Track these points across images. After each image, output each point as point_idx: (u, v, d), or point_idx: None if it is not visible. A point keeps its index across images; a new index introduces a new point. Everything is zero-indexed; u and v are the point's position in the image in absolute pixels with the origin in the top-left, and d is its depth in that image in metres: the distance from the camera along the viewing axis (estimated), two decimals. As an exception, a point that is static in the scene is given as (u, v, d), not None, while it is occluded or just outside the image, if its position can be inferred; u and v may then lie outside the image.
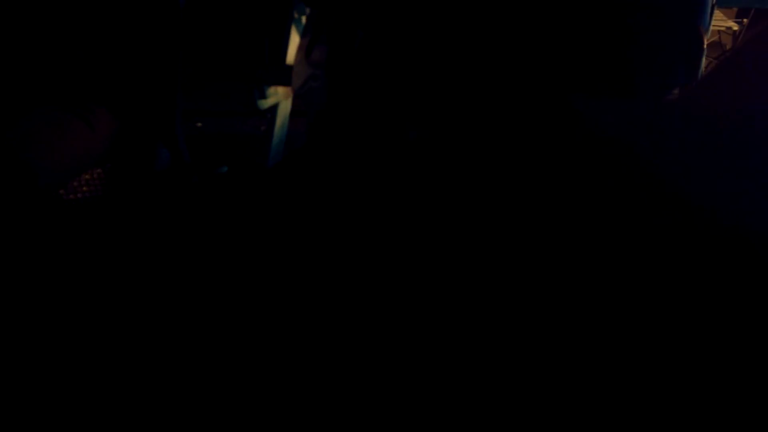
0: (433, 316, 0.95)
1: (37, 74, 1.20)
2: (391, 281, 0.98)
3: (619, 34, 0.95)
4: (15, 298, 1.06)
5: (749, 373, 0.85)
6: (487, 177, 0.98)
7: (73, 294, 1.10)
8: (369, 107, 1.11)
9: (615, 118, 0.96)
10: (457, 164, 1.01)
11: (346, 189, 1.07)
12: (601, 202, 0.93)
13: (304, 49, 1.29)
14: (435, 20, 0.99)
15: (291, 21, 1.95)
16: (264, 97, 2.04)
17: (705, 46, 1.04)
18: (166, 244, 1.22)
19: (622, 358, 0.88)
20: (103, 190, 1.23)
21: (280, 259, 1.06)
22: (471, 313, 0.94)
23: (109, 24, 1.21)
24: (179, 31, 1.27)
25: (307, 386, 0.94)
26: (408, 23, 1.01)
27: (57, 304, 1.09)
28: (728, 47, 2.73)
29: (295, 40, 1.96)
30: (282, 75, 1.99)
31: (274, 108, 2.11)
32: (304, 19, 1.93)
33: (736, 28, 2.74)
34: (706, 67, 1.08)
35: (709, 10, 1.03)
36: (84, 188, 1.21)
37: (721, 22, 2.74)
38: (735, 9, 2.83)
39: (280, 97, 2.09)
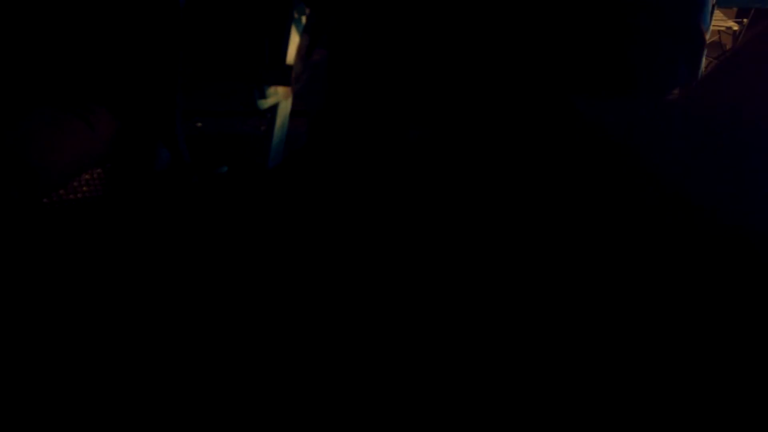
0: (434, 316, 0.95)
1: (37, 74, 1.20)
2: (391, 281, 0.97)
3: (620, 34, 0.95)
4: (15, 298, 1.06)
5: (749, 372, 0.85)
6: (488, 176, 0.97)
7: (74, 293, 1.10)
8: (369, 107, 1.10)
9: (615, 118, 0.96)
10: (458, 164, 1.00)
11: (346, 189, 1.07)
12: (602, 202, 0.93)
13: (304, 50, 1.28)
14: (436, 20, 0.99)
15: (291, 21, 1.95)
16: (264, 97, 2.04)
17: (705, 46, 1.04)
18: (166, 244, 1.22)
19: (623, 358, 0.88)
20: (103, 190, 1.23)
21: (280, 260, 1.06)
22: (472, 313, 0.94)
23: (109, 24, 1.21)
24: (179, 31, 1.27)
25: (307, 386, 0.94)
26: (409, 23, 1.01)
27: (57, 304, 1.09)
28: (728, 47, 2.73)
29: (295, 40, 1.96)
30: (282, 75, 1.99)
31: (274, 108, 2.11)
32: (304, 19, 1.93)
33: (736, 28, 2.74)
34: (706, 67, 1.08)
35: (709, 10, 1.03)
36: (84, 188, 1.21)
37: (721, 22, 2.74)
38: (735, 9, 2.83)
39: (280, 97, 2.09)
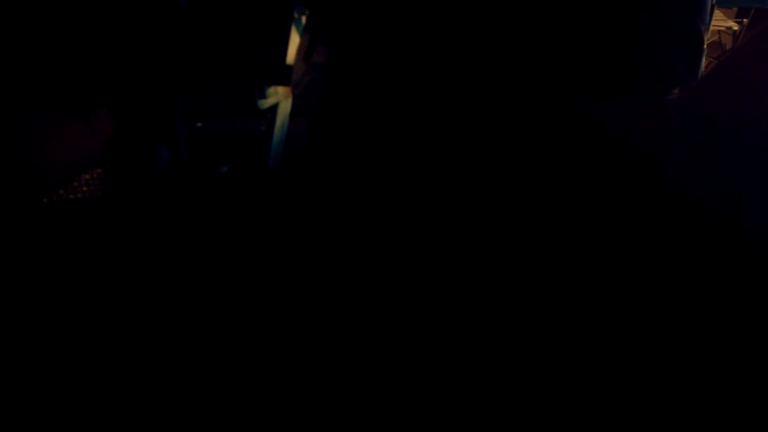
0: (434, 316, 0.95)
1: (37, 74, 1.20)
2: (391, 281, 0.98)
3: (620, 34, 0.95)
4: (15, 298, 1.06)
5: (749, 371, 0.85)
6: (489, 177, 0.98)
7: (74, 293, 1.10)
8: (369, 107, 1.10)
9: (615, 118, 0.96)
10: (458, 164, 1.01)
11: (346, 189, 1.07)
12: (602, 202, 0.93)
13: (304, 50, 1.29)
14: (436, 20, 0.99)
15: (291, 21, 1.95)
16: (264, 97, 2.04)
17: (705, 46, 1.04)
18: (166, 244, 1.22)
19: (623, 357, 0.88)
20: (103, 190, 1.23)
21: (279, 260, 1.06)
22: (472, 313, 0.94)
23: (109, 24, 1.21)
24: (179, 31, 1.27)
25: (307, 386, 0.94)
26: (409, 23, 1.01)
27: (57, 304, 1.09)
28: (728, 47, 2.73)
29: (295, 40, 1.96)
30: (282, 75, 1.99)
31: (274, 108, 2.11)
32: (304, 19, 1.93)
33: (736, 28, 2.74)
34: (706, 67, 1.08)
35: (709, 10, 1.03)
36: (84, 188, 1.21)
37: (721, 22, 2.74)
38: (735, 9, 2.83)
39: (280, 97, 2.09)
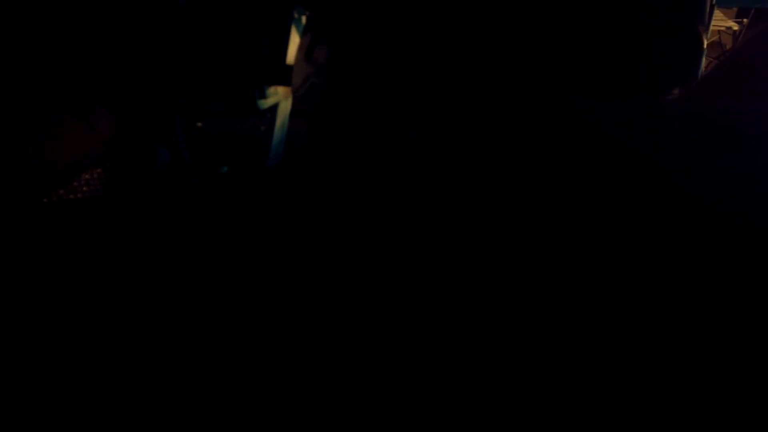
0: (433, 314, 0.95)
1: (38, 74, 1.20)
2: (391, 281, 0.97)
3: (620, 34, 0.95)
4: (16, 297, 1.06)
5: (749, 367, 0.85)
6: (489, 177, 0.97)
7: (74, 293, 1.10)
8: (369, 107, 1.10)
9: (615, 118, 0.96)
10: (458, 164, 1.00)
11: (346, 189, 1.07)
12: (602, 201, 0.93)
13: (304, 50, 1.28)
14: (436, 21, 0.99)
15: (291, 21, 1.94)
16: (264, 97, 2.03)
17: (705, 46, 1.04)
18: (166, 244, 1.22)
19: (625, 354, 0.88)
20: (103, 190, 1.23)
21: (279, 259, 1.06)
22: (471, 312, 0.94)
23: (109, 24, 1.21)
24: (179, 31, 1.27)
25: (307, 386, 0.94)
26: (409, 24, 1.01)
27: (57, 304, 1.09)
28: (728, 47, 2.73)
29: (295, 40, 1.96)
30: (282, 75, 1.99)
31: (274, 108, 2.11)
32: (304, 19, 1.93)
33: (736, 28, 2.74)
34: (706, 67, 1.08)
35: (708, 10, 1.03)
36: (84, 188, 1.21)
37: (721, 22, 2.74)
38: (735, 9, 2.83)
39: (280, 97, 2.09)
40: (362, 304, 0.98)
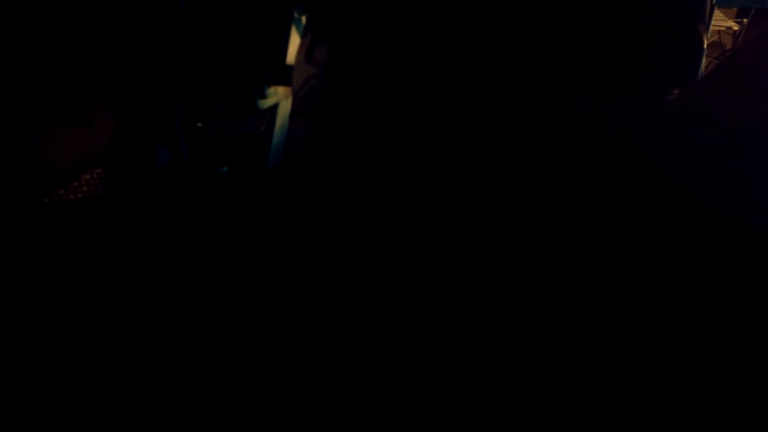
0: (433, 314, 0.95)
1: (38, 74, 1.20)
2: (390, 281, 0.98)
3: (620, 34, 0.95)
4: (16, 297, 1.06)
5: (750, 366, 0.85)
6: (489, 177, 0.97)
7: (74, 293, 1.10)
8: (368, 108, 1.10)
9: (615, 118, 0.96)
10: (457, 164, 1.00)
11: (345, 189, 1.07)
12: (602, 201, 0.93)
13: (304, 49, 1.28)
14: (436, 21, 0.99)
15: (291, 21, 1.95)
16: (264, 97, 2.04)
17: (705, 46, 1.04)
18: (166, 244, 1.22)
19: (625, 354, 0.88)
20: (103, 190, 1.23)
21: (279, 259, 1.06)
22: (471, 312, 0.94)
23: (109, 24, 1.21)
24: (179, 31, 1.27)
25: (307, 386, 0.94)
26: (409, 24, 1.01)
27: (57, 304, 1.09)
28: (728, 47, 2.73)
29: (295, 40, 1.96)
30: (282, 75, 1.99)
31: (274, 108, 2.11)
32: (304, 19, 1.93)
33: (736, 28, 2.74)
34: (706, 67, 1.08)
35: (708, 10, 1.03)
36: (84, 188, 1.21)
37: (721, 22, 2.74)
38: (735, 9, 2.83)
39: (280, 97, 2.09)
40: (362, 304, 0.98)
